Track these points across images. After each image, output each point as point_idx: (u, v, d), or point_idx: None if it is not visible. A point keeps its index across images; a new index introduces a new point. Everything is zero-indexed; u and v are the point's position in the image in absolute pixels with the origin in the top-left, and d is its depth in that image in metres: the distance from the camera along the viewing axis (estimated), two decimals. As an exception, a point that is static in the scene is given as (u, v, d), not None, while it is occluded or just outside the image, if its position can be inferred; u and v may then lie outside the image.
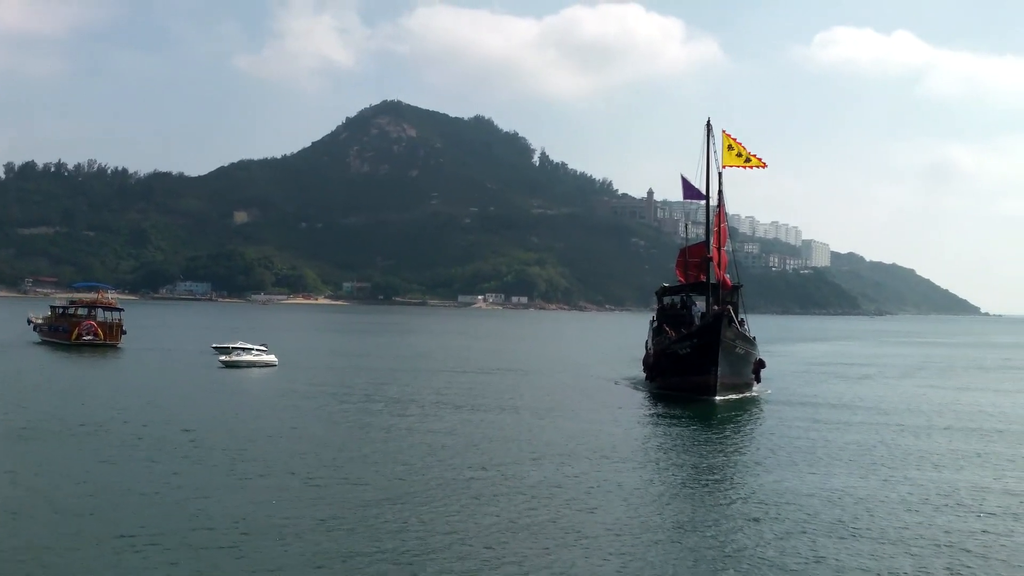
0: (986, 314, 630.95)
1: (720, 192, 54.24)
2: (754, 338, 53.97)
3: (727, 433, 38.71)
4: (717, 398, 47.40)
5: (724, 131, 53.43)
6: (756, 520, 22.70)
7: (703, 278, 57.48)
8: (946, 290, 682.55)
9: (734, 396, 49.03)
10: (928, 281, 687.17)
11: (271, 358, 63.89)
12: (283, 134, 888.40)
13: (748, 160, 52.95)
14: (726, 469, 30.34)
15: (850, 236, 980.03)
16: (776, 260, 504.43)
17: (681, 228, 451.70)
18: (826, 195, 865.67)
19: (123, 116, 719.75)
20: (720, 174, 54.15)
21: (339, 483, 25.70)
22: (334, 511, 22.51)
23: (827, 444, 34.55)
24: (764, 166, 53.66)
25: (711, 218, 56.04)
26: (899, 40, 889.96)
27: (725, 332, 47.36)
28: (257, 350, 65.37)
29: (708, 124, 54.61)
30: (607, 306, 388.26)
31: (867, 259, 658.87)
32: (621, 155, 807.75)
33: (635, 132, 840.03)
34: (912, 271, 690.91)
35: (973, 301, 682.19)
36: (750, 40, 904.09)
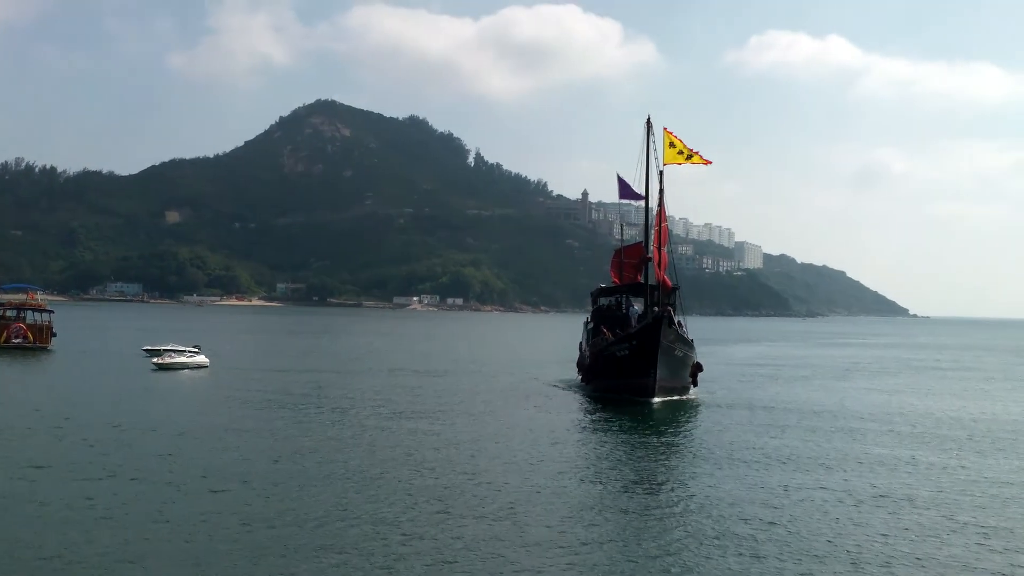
0: (914, 316, 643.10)
1: (661, 191, 52.44)
2: (692, 340, 52.42)
3: (665, 436, 37.74)
4: (655, 400, 46.59)
5: (665, 128, 52.16)
6: (696, 522, 22.92)
7: (640, 279, 56.72)
8: (875, 292, 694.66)
9: (671, 399, 48.08)
10: (858, 283, 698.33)
11: (203, 359, 63.58)
12: (217, 133, 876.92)
13: (690, 157, 51.59)
14: (664, 472, 30.08)
15: (782, 238, 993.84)
16: (709, 262, 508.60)
17: (616, 229, 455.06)
18: (759, 197, 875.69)
19: (52, 114, 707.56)
20: (661, 173, 52.69)
21: (258, 487, 25.60)
22: (250, 514, 22.49)
23: (763, 447, 34.59)
24: (707, 163, 53.04)
25: (650, 218, 54.79)
26: (833, 44, 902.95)
27: (665, 334, 46.30)
28: (189, 352, 65.09)
29: (648, 122, 53.87)
30: (542, 308, 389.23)
31: (798, 261, 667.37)
32: (557, 156, 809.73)
33: (571, 133, 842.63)
34: (842, 273, 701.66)
35: (902, 303, 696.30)
36: (686, 43, 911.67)
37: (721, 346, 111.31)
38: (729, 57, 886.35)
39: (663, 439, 36.97)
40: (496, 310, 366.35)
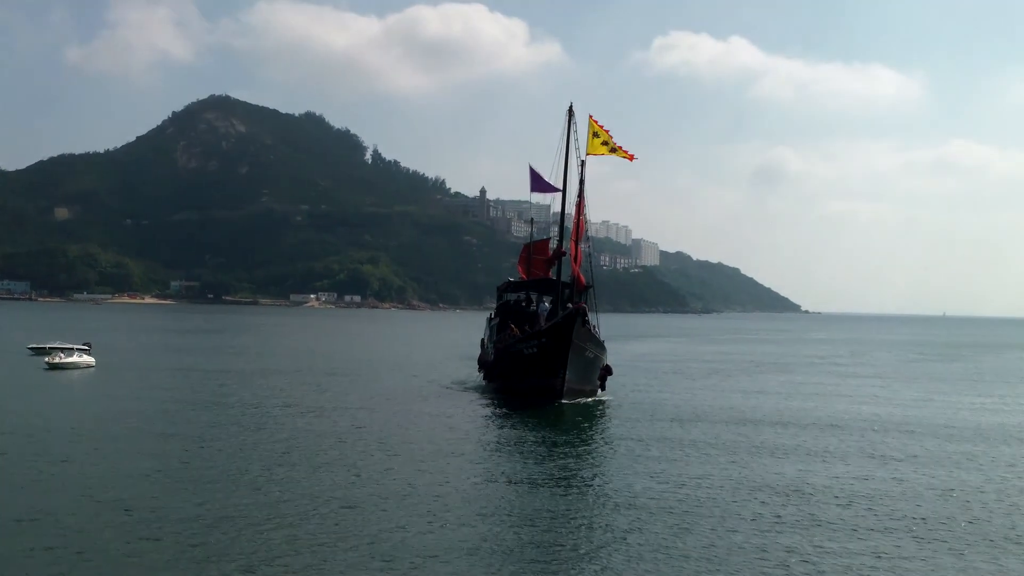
0: (806, 312, 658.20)
1: (582, 182, 49.64)
2: (604, 342, 50.32)
3: (573, 438, 35.95)
4: (563, 402, 44.26)
5: (591, 116, 49.18)
6: (607, 522, 22.77)
7: (550, 275, 54.67)
8: (769, 288, 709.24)
9: (578, 402, 45.51)
10: (752, 280, 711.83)
11: (90, 359, 62.45)
12: (114, 129, 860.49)
13: (615, 150, 48.88)
14: (571, 472, 28.98)
15: (679, 236, 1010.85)
16: (607, 259, 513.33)
17: (515, 227, 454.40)
18: (657, 195, 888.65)
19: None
20: (583, 163, 49.68)
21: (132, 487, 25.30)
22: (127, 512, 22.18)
23: (671, 447, 34.09)
24: (631, 158, 50.01)
25: (566, 210, 52.04)
26: (735, 46, 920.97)
27: (577, 333, 43.67)
28: (78, 350, 63.82)
29: (571, 109, 50.79)
30: (440, 305, 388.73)
31: (694, 258, 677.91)
32: (459, 154, 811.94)
33: (475, 131, 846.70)
34: (737, 270, 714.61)
35: (794, 299, 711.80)
36: (591, 43, 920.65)
37: (622, 343, 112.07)
38: (634, 57, 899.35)
39: (571, 440, 35.33)
40: (394, 307, 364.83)
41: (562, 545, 20.52)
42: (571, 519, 22.62)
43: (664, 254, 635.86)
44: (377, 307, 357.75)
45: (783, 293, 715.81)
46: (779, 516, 23.45)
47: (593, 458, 31.70)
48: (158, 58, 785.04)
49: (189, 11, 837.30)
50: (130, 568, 18.29)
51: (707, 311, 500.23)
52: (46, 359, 60.92)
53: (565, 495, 25.28)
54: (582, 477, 28.18)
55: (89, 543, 19.73)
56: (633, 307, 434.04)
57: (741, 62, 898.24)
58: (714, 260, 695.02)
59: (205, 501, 23.48)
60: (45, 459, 28.63)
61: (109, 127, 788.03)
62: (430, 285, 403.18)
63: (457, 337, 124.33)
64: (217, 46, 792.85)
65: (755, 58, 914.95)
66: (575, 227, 50.17)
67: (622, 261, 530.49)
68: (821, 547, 20.81)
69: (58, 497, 23.58)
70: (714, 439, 35.91)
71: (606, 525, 22.16)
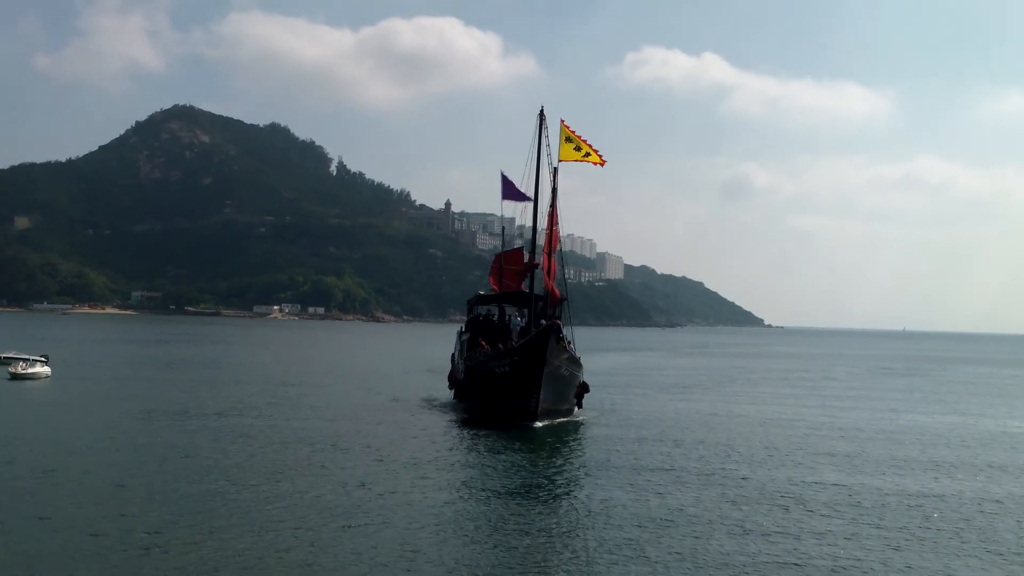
0: (769, 326, 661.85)
1: (554, 190, 47.57)
2: (580, 358, 47.76)
3: (547, 462, 33.74)
4: (537, 425, 41.86)
5: (563, 121, 47.53)
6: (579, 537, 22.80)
7: (523, 287, 53.01)
8: (732, 303, 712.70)
9: (555, 423, 43.46)
10: (715, 294, 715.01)
11: (46, 370, 61.82)
12: (80, 138, 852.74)
13: (588, 155, 47.08)
14: (548, 497, 27.51)
15: (644, 249, 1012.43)
16: (571, 272, 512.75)
17: (479, 239, 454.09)
18: (623, 209, 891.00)
19: None
20: (555, 170, 47.82)
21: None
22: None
23: (653, 467, 33.44)
24: (602, 163, 47.76)
25: (539, 219, 49.76)
26: (707, 62, 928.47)
27: (551, 351, 41.33)
28: (35, 361, 63.13)
29: (541, 113, 49.28)
30: (404, 317, 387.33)
31: (659, 272, 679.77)
32: (428, 166, 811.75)
33: (446, 143, 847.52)
34: (700, 284, 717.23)
35: (757, 313, 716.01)
36: (565, 57, 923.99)
37: (591, 356, 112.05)
38: (607, 72, 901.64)
39: (546, 463, 33.39)
40: (358, 319, 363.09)
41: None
42: (548, 544, 22.07)
43: (629, 267, 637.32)
44: (341, 319, 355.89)
45: (746, 307, 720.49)
46: (774, 527, 23.69)
47: (569, 482, 29.98)
48: (128, 67, 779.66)
49: (161, 21, 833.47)
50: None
51: (671, 325, 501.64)
52: (9, 369, 60.28)
53: (541, 521, 24.28)
54: (558, 502, 26.95)
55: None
56: (597, 320, 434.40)
57: (713, 78, 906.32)
58: (678, 274, 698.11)
59: (170, 512, 23.31)
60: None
61: (75, 136, 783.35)
62: (394, 297, 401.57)
63: (423, 350, 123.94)
64: (188, 56, 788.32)
65: (727, 74, 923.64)
66: (548, 238, 48.35)
67: (586, 274, 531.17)
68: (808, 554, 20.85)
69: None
70: (702, 457, 35.48)
71: (584, 551, 21.62)
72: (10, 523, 21.95)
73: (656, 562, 20.43)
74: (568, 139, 47.17)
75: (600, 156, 47.64)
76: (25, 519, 22.37)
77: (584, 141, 47.34)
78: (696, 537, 22.47)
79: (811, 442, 40.55)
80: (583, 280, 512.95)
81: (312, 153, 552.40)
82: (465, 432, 40.91)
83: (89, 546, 20.33)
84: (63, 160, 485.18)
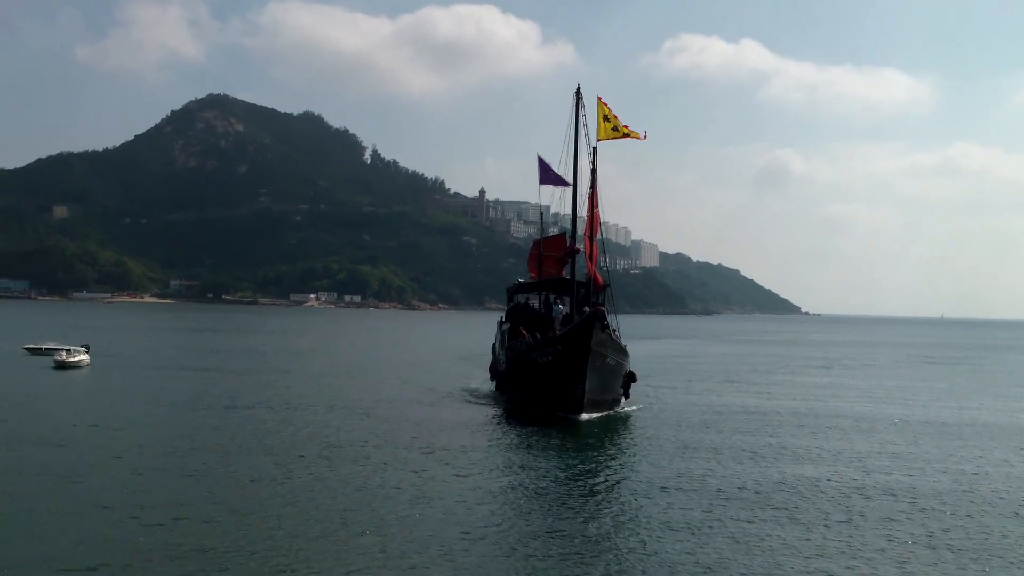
0: (806, 313, 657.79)
1: (594, 171, 45.61)
2: (626, 346, 45.99)
3: (594, 455, 32.05)
4: (583, 417, 39.98)
5: (600, 99, 45.55)
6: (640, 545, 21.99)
7: (563, 274, 51.75)
8: (769, 290, 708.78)
9: (601, 414, 41.58)
10: (752, 281, 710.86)
11: (87, 358, 62.20)
12: (115, 127, 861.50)
13: (627, 135, 45.30)
14: (600, 495, 26.02)
15: (679, 237, 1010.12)
16: (607, 259, 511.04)
17: (514, 227, 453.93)
18: (658, 197, 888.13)
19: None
20: (595, 149, 45.73)
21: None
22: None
23: (714, 456, 33.02)
24: (641, 138, 46.14)
25: (578, 201, 48.10)
26: (746, 48, 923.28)
27: (596, 339, 39.60)
28: (75, 350, 63.46)
29: (578, 92, 47.34)
30: (440, 305, 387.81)
31: (694, 259, 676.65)
32: (464, 155, 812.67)
33: (483, 132, 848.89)
34: (737, 271, 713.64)
35: (794, 301, 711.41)
36: (603, 45, 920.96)
37: (629, 344, 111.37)
38: (644, 60, 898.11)
39: (597, 458, 31.68)
40: (394, 307, 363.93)
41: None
42: (599, 542, 21.26)
43: (664, 255, 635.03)
44: (377, 307, 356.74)
45: (783, 295, 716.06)
46: (838, 517, 22.93)
47: (619, 478, 28.53)
48: (167, 57, 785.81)
49: (200, 10, 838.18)
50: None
51: (707, 312, 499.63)
52: (55, 357, 60.76)
53: (590, 518, 23.22)
54: (607, 498, 25.62)
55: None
56: (633, 308, 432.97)
57: (751, 64, 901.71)
58: (714, 261, 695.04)
59: (215, 496, 23.15)
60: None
61: (112, 126, 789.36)
62: (429, 286, 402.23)
63: (461, 338, 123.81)
64: (226, 46, 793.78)
65: (765, 60, 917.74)
66: (589, 221, 46.27)
67: (622, 262, 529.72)
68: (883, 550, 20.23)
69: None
70: (758, 449, 34.17)
71: (640, 552, 20.69)
72: (67, 507, 21.75)
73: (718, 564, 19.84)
74: (606, 118, 45.28)
75: (637, 132, 45.92)
76: (80, 503, 22.20)
77: (619, 120, 45.55)
78: (768, 551, 21.41)
79: (859, 433, 39.58)
80: (618, 268, 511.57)
81: (346, 141, 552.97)
82: (508, 425, 39.61)
83: (146, 532, 20.06)
84: (100, 150, 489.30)
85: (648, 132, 46.66)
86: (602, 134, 45.28)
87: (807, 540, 21.32)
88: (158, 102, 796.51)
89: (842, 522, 23.06)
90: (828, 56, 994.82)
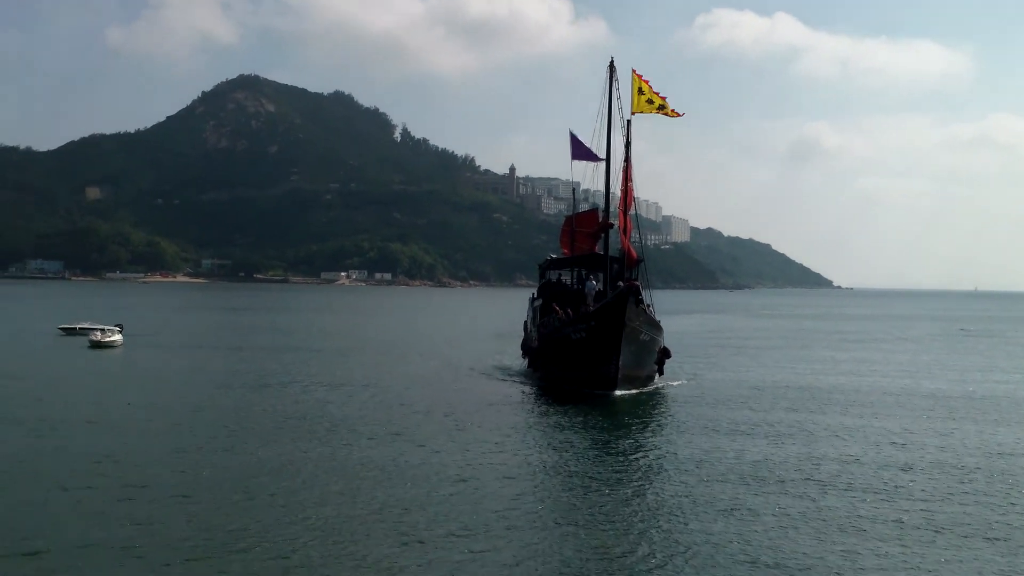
0: (838, 287, 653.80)
1: (628, 144, 44.49)
2: (660, 322, 45.27)
3: (629, 432, 31.54)
4: (617, 393, 39.41)
5: (635, 71, 44.21)
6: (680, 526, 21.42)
7: (596, 250, 51.08)
8: (800, 264, 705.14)
9: (636, 391, 41.03)
10: (783, 256, 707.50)
11: (120, 338, 62.64)
12: (148, 109, 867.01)
13: (662, 108, 44.20)
14: (628, 473, 25.34)
15: (710, 212, 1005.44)
16: (637, 235, 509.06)
17: (544, 203, 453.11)
18: (689, 172, 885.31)
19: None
20: (628, 123, 44.72)
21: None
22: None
23: (753, 434, 32.57)
24: (678, 115, 45.13)
25: (611, 176, 47.40)
26: (779, 22, 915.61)
27: (631, 314, 38.96)
28: (109, 330, 63.95)
29: (612, 65, 46.31)
30: (471, 282, 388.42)
31: (725, 234, 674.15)
32: (494, 132, 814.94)
33: (514, 109, 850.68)
34: (768, 246, 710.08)
35: (826, 275, 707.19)
36: (636, 21, 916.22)
37: (663, 319, 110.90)
38: (677, 36, 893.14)
39: (633, 435, 31.04)
40: (424, 285, 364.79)
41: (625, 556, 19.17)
42: (638, 526, 20.81)
43: (695, 230, 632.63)
44: (408, 285, 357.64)
45: (815, 269, 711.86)
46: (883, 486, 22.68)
47: (655, 455, 27.85)
48: (199, 39, 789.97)
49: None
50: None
51: (738, 287, 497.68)
52: (90, 337, 61.28)
53: (628, 498, 22.75)
54: (643, 476, 25.11)
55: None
56: (664, 283, 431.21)
57: (785, 38, 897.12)
58: (745, 236, 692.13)
59: (253, 475, 23.17)
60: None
61: (144, 108, 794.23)
62: (460, 263, 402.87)
63: (492, 314, 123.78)
64: (258, 27, 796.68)
65: (799, 34, 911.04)
66: (623, 194, 45.09)
67: (652, 238, 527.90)
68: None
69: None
70: (795, 425, 33.61)
71: (681, 534, 20.23)
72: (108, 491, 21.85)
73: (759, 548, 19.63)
74: (640, 91, 44.08)
75: (674, 109, 44.88)
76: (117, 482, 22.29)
77: (657, 94, 44.38)
78: (807, 530, 21.24)
79: (897, 409, 39.05)
80: (649, 243, 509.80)
81: (376, 120, 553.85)
82: (541, 403, 38.98)
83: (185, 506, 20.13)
84: (132, 131, 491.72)
85: (680, 108, 45.59)
86: (636, 107, 44.22)
87: (851, 521, 20.97)
88: (190, 84, 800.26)
89: (884, 501, 22.72)
90: (863, 28, 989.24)
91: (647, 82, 44.19)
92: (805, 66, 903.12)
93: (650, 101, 44.07)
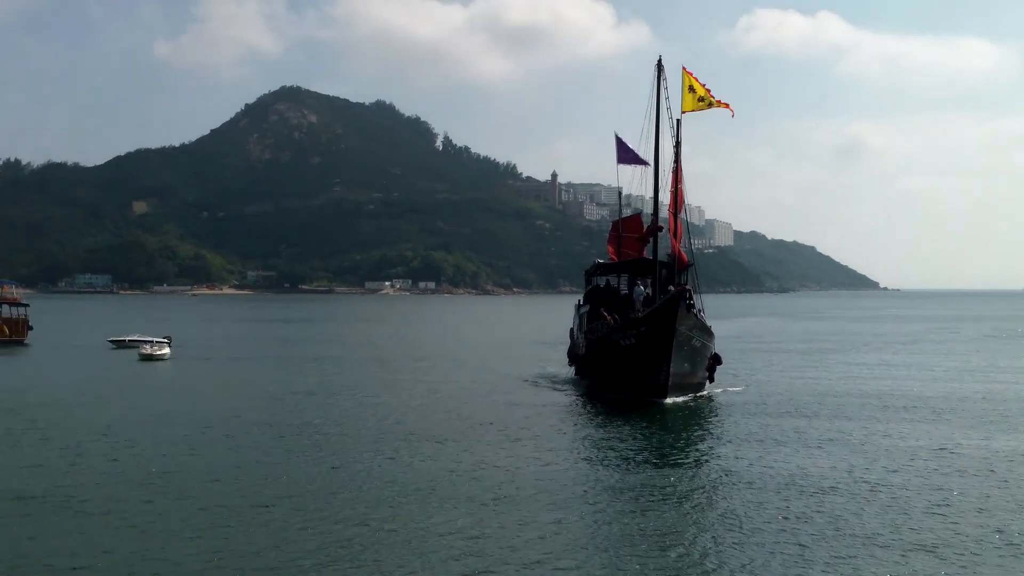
0: (884, 288, 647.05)
1: (678, 144, 43.65)
2: (711, 327, 43.97)
3: (680, 441, 31.09)
4: (667, 401, 38.60)
5: (685, 68, 43.23)
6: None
7: (644, 254, 49.69)
8: (845, 266, 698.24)
9: (687, 398, 40.19)
10: (828, 258, 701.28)
11: (168, 351, 63.12)
12: (192, 122, 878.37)
13: (711, 105, 43.02)
14: (680, 484, 24.50)
15: (753, 215, 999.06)
16: (688, 238, 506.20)
17: (586, 209, 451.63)
18: (732, 175, 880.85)
19: (27, 108, 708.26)
20: (678, 122, 43.79)
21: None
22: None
23: (798, 444, 31.62)
24: (729, 108, 43.59)
25: (660, 178, 45.56)
26: (823, 21, 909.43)
27: (682, 319, 38.06)
28: (157, 342, 64.68)
29: (659, 64, 44.88)
30: (514, 289, 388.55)
31: (769, 237, 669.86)
32: (536, 138, 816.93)
33: (556, 115, 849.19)
34: (812, 248, 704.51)
35: (872, 276, 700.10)
36: (678, 24, 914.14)
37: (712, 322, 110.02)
38: (720, 38, 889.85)
39: (684, 445, 30.49)
40: (468, 293, 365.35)
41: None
42: (691, 534, 20.78)
43: (738, 234, 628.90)
44: (451, 293, 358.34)
45: (860, 270, 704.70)
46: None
47: (707, 466, 27.17)
48: (243, 51, 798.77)
49: (277, 4, 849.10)
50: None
51: (782, 290, 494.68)
52: (139, 351, 61.98)
53: (683, 511, 22.24)
54: (696, 486, 24.41)
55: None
56: (708, 288, 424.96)
57: (829, 38, 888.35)
58: (789, 239, 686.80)
59: (302, 486, 23.11)
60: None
61: (188, 121, 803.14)
62: (503, 270, 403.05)
63: (536, 322, 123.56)
64: (302, 38, 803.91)
65: (844, 33, 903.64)
66: (673, 197, 44.11)
67: (696, 242, 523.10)
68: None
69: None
70: (851, 433, 32.36)
71: (730, 546, 19.88)
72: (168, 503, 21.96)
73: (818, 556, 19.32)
74: (691, 88, 42.85)
75: (726, 103, 43.59)
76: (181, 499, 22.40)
77: (708, 91, 43.16)
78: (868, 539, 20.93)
79: (953, 415, 37.95)
80: (693, 247, 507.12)
81: (417, 129, 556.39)
82: (590, 410, 38.44)
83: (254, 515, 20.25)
84: (176, 145, 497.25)
85: (722, 109, 44.90)
86: (687, 105, 43.15)
87: (907, 535, 20.64)
88: (234, 96, 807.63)
89: (953, 517, 22.27)
90: (908, 26, 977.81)
91: (697, 79, 43.08)
92: (849, 65, 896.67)
93: (702, 99, 42.94)
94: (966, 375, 54.61)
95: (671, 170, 44.37)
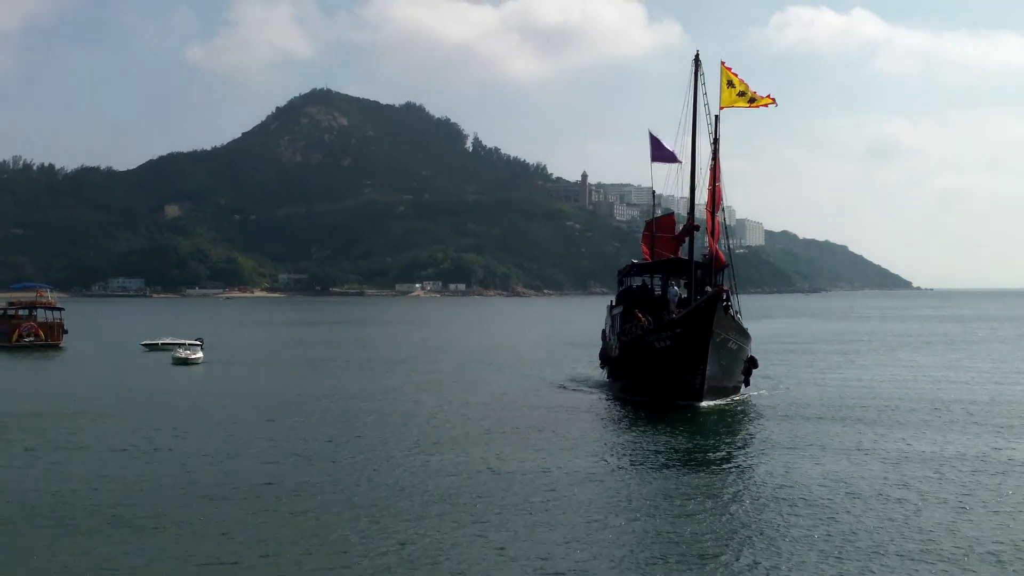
0: (918, 288, 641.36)
1: (716, 140, 42.35)
2: (748, 330, 42.86)
3: (716, 446, 30.64)
4: (702, 405, 37.87)
5: (723, 63, 42.29)
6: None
7: (679, 254, 48.63)
8: (878, 266, 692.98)
9: (722, 402, 39.27)
10: (860, 257, 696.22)
11: (201, 354, 63.24)
12: (224, 126, 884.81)
13: (753, 100, 42.02)
14: (715, 489, 24.27)
15: (784, 215, 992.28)
16: (726, 238, 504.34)
17: (617, 210, 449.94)
18: (764, 174, 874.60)
19: (62, 112, 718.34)
20: (716, 118, 42.61)
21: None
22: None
23: (837, 450, 30.38)
24: (772, 101, 42.60)
25: (696, 175, 45.07)
26: (856, 18, 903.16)
27: (719, 321, 37.41)
28: (191, 345, 65.01)
29: (697, 58, 44.15)
30: (545, 291, 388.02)
31: (800, 237, 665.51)
32: (567, 139, 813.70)
33: (588, 115, 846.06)
34: (844, 247, 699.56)
35: (905, 276, 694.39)
36: (711, 23, 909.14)
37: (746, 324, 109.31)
38: (752, 36, 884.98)
39: (720, 451, 29.92)
40: (499, 294, 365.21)
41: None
42: (725, 539, 20.61)
43: (769, 233, 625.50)
44: (482, 295, 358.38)
45: (893, 270, 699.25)
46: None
47: (744, 471, 26.88)
48: (274, 54, 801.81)
49: (308, 7, 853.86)
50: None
51: (814, 290, 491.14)
52: (173, 354, 62.20)
53: (719, 520, 21.78)
54: (732, 492, 24.10)
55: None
56: (739, 288, 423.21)
57: (863, 34, 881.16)
58: (821, 238, 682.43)
59: (333, 488, 23.09)
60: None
61: (220, 124, 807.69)
62: (534, 271, 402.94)
63: (567, 324, 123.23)
64: (333, 41, 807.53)
65: (877, 29, 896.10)
66: (711, 195, 42.84)
67: (727, 242, 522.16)
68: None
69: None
70: (891, 439, 31.36)
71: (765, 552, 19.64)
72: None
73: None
74: (730, 83, 41.83)
75: (768, 96, 42.64)
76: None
77: (748, 86, 42.28)
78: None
79: (997, 420, 36.74)
80: (722, 247, 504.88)
81: (447, 130, 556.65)
82: (623, 414, 37.98)
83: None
84: (208, 149, 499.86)
85: (754, 109, 44.02)
86: (725, 101, 42.19)
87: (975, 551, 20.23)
88: (266, 99, 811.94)
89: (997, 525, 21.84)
90: (943, 22, 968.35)
91: (736, 74, 42.17)
92: (883, 62, 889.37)
93: (742, 93, 42.01)
94: (1010, 376, 53.68)
95: (708, 168, 43.34)
